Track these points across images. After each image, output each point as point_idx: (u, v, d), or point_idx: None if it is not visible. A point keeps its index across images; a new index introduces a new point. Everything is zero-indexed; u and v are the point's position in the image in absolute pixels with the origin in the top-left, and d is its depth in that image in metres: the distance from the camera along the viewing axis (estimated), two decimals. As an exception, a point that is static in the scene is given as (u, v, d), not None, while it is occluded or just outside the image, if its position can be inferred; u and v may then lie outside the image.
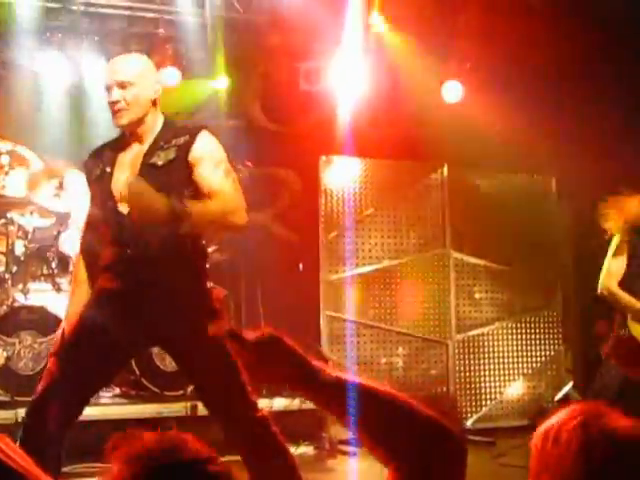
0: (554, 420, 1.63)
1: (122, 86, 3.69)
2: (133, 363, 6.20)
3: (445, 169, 7.40)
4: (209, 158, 3.60)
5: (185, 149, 3.61)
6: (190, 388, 6.23)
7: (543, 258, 7.73)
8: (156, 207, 3.34)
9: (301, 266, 7.05)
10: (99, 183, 3.74)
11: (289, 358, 1.82)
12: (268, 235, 7.36)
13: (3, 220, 6.58)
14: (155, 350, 6.14)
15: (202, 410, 6.11)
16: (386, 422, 1.77)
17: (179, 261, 3.64)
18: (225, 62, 7.56)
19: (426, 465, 1.71)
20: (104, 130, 7.71)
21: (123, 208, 3.59)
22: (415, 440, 1.74)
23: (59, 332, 3.72)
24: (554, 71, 7.52)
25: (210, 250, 6.80)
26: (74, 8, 7.26)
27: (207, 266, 3.93)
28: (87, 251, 3.85)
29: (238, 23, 7.46)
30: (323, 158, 6.94)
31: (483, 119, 7.58)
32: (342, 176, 7.03)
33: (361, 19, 7.12)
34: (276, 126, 7.31)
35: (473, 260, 7.45)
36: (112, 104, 3.72)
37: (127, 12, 7.46)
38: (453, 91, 7.83)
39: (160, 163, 3.63)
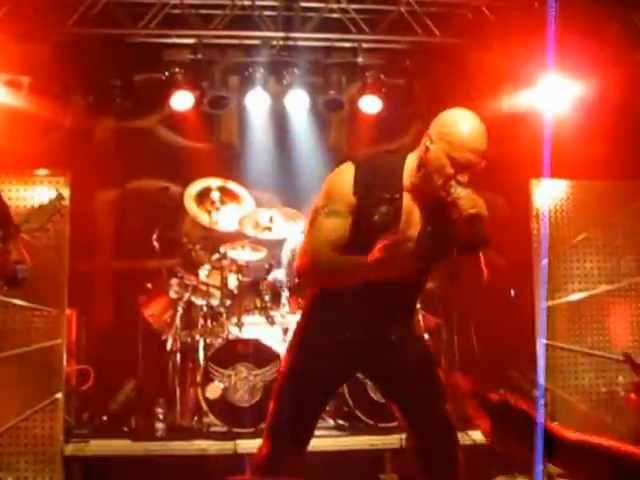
0: None
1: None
2: (347, 395, 6.19)
3: (662, 186, 6.96)
4: None
5: None
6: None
7: None
8: None
9: (513, 292, 6.83)
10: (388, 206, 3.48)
11: (527, 424, 1.87)
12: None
13: (217, 255, 6.76)
14: (369, 382, 6.09)
15: (415, 443, 6.02)
16: None
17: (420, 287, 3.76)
18: (426, 86, 7.50)
19: None
20: (306, 162, 7.95)
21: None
22: None
23: None
24: None
25: (420, 279, 6.72)
26: (273, 44, 7.41)
27: None
28: None
29: (437, 46, 7.37)
30: (533, 181, 6.68)
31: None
32: (554, 199, 6.75)
33: (565, 34, 6.86)
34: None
35: (697, 281, 6.96)
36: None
37: (325, 43, 7.54)
38: (665, 102, 7.42)
39: None
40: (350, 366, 3.77)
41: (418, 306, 5.96)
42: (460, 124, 3.31)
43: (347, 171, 3.45)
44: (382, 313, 3.59)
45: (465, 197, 3.22)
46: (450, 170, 3.26)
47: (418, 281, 3.66)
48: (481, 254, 3.44)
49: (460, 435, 5.95)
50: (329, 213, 3.40)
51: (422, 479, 3.71)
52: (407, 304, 3.76)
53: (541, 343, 6.51)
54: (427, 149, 3.33)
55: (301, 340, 3.68)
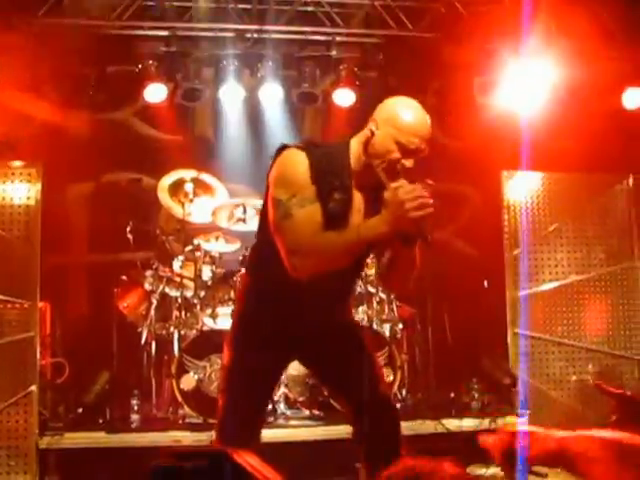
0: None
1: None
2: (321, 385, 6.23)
3: (630, 180, 7.06)
4: None
5: None
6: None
7: None
8: None
9: (486, 283, 6.91)
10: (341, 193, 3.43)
11: None
12: (452, 252, 7.30)
13: (190, 246, 6.76)
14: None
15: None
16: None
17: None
18: (399, 80, 7.54)
19: None
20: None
21: None
22: None
23: None
24: None
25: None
26: (247, 36, 7.41)
27: None
28: None
29: (410, 40, 7.42)
30: (505, 173, 6.76)
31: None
32: (525, 191, 6.84)
33: (536, 29, 6.95)
34: (454, 142, 7.22)
35: (664, 272, 7.08)
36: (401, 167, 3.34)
37: (299, 36, 7.55)
38: (634, 97, 7.54)
39: None
40: (289, 353, 3.71)
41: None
42: (407, 110, 3.34)
43: (300, 158, 3.34)
44: (320, 298, 3.52)
45: (408, 194, 3.16)
46: (396, 155, 3.27)
47: (356, 266, 3.62)
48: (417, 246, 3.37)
49: (434, 424, 6.13)
50: (302, 202, 3.30)
51: (366, 466, 3.67)
52: (344, 289, 3.74)
53: (515, 333, 6.60)
54: (372, 133, 3.33)
55: (237, 331, 3.63)
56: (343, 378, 3.67)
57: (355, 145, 3.43)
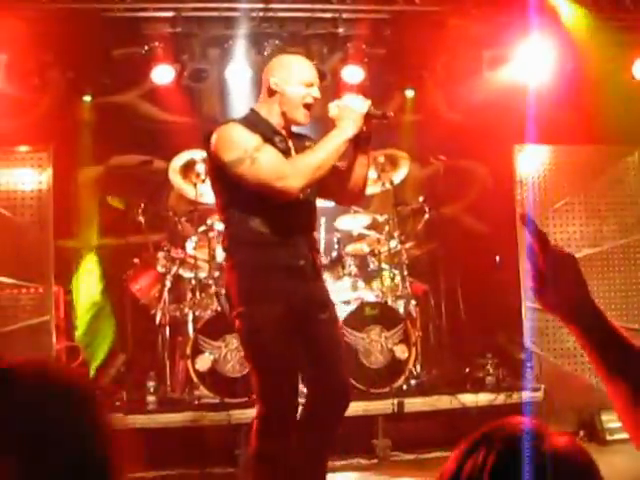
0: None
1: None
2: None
3: (641, 151, 7.02)
4: None
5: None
6: (395, 385, 6.21)
7: None
8: None
9: (498, 258, 6.90)
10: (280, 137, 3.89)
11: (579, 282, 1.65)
12: (463, 228, 7.27)
13: (203, 227, 6.72)
14: (361, 348, 6.16)
15: (408, 407, 6.10)
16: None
17: None
18: (407, 55, 7.50)
19: None
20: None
21: None
22: None
23: None
24: None
25: (407, 246, 6.79)
26: (253, 15, 7.36)
27: None
28: None
29: (417, 15, 7.35)
30: (516, 147, 6.73)
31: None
32: (536, 165, 6.81)
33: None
34: (463, 117, 7.18)
35: (677, 243, 7.05)
36: (314, 99, 3.86)
37: (306, 14, 7.49)
38: (643, 68, 7.50)
39: None
40: (299, 306, 3.83)
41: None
42: (291, 57, 4.07)
43: (231, 125, 3.73)
44: (300, 235, 3.84)
45: (350, 98, 3.76)
46: (306, 90, 3.79)
47: (312, 192, 3.91)
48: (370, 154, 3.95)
49: (449, 399, 6.13)
50: (256, 148, 3.61)
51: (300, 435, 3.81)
52: (312, 217, 4.01)
53: (529, 307, 6.57)
54: (281, 94, 3.80)
55: (245, 310, 3.82)
56: (316, 356, 3.88)
57: (264, 108, 3.87)
